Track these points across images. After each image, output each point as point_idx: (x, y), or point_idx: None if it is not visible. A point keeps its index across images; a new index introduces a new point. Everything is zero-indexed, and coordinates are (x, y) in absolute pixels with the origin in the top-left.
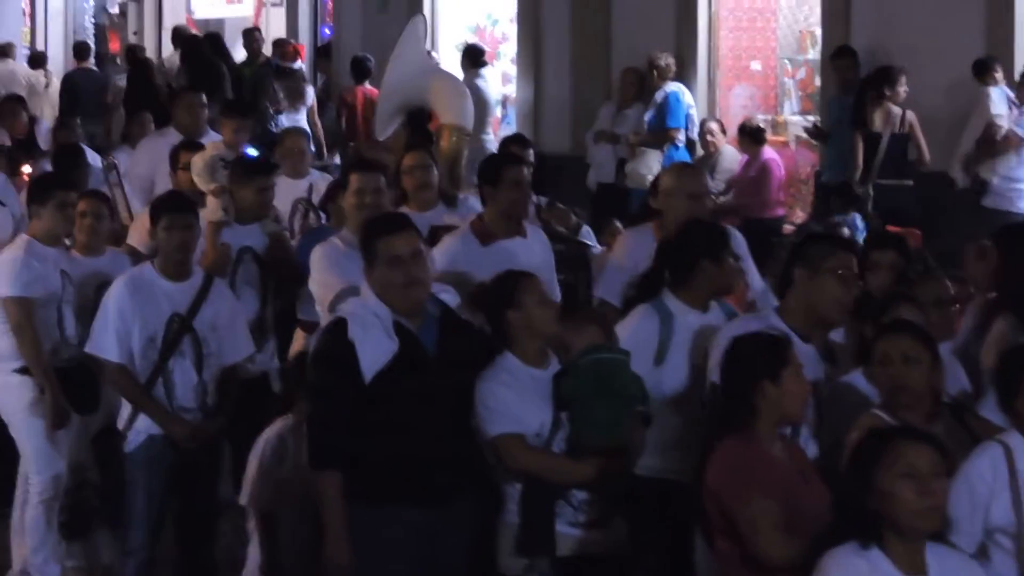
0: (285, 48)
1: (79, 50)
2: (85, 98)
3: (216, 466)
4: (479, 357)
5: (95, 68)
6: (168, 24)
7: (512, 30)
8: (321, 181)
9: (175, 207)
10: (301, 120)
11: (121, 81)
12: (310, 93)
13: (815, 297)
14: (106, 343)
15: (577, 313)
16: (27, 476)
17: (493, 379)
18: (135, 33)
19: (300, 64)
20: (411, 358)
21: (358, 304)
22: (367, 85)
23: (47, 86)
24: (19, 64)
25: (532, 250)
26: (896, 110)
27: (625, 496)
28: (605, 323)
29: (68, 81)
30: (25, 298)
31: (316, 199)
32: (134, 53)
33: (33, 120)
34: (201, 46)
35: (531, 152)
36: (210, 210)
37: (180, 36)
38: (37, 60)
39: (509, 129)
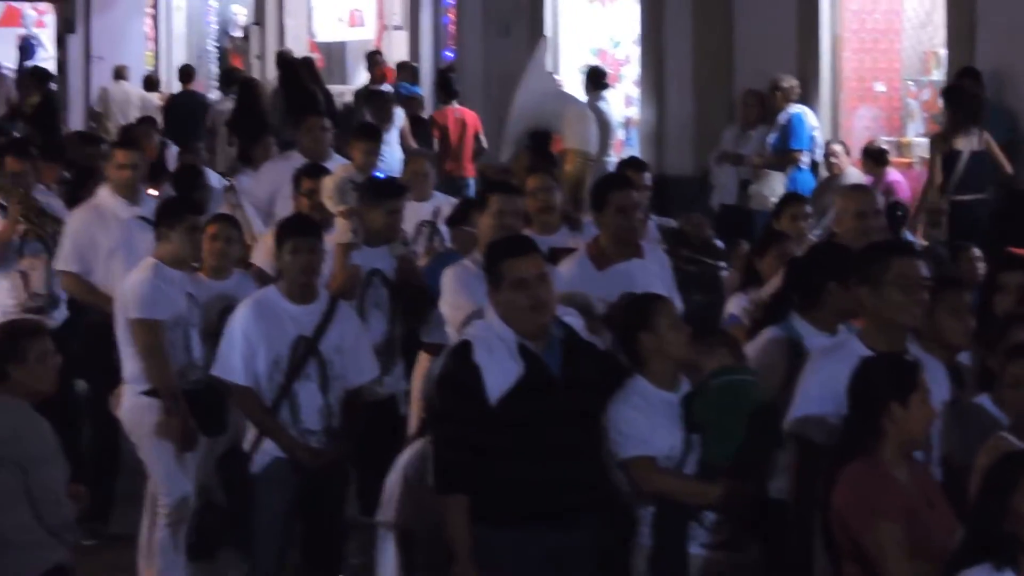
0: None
1: (184, 73)
2: (189, 121)
3: (342, 488)
4: (604, 379)
5: (197, 91)
6: (290, 47)
7: (635, 52)
8: (446, 204)
9: (301, 230)
10: (391, 141)
11: (221, 104)
12: (399, 114)
13: (885, 312)
14: (232, 366)
15: (708, 335)
16: (155, 498)
17: (624, 402)
18: (258, 56)
19: (388, 86)
20: (536, 381)
21: (483, 327)
22: (456, 104)
23: (159, 108)
24: (133, 86)
25: (649, 272)
26: (975, 128)
27: (759, 518)
28: (735, 345)
29: (172, 104)
30: (154, 320)
31: (441, 222)
32: (240, 76)
33: (164, 144)
34: (299, 71)
35: (647, 175)
36: (339, 232)
37: (282, 60)
38: (151, 83)
39: (632, 151)
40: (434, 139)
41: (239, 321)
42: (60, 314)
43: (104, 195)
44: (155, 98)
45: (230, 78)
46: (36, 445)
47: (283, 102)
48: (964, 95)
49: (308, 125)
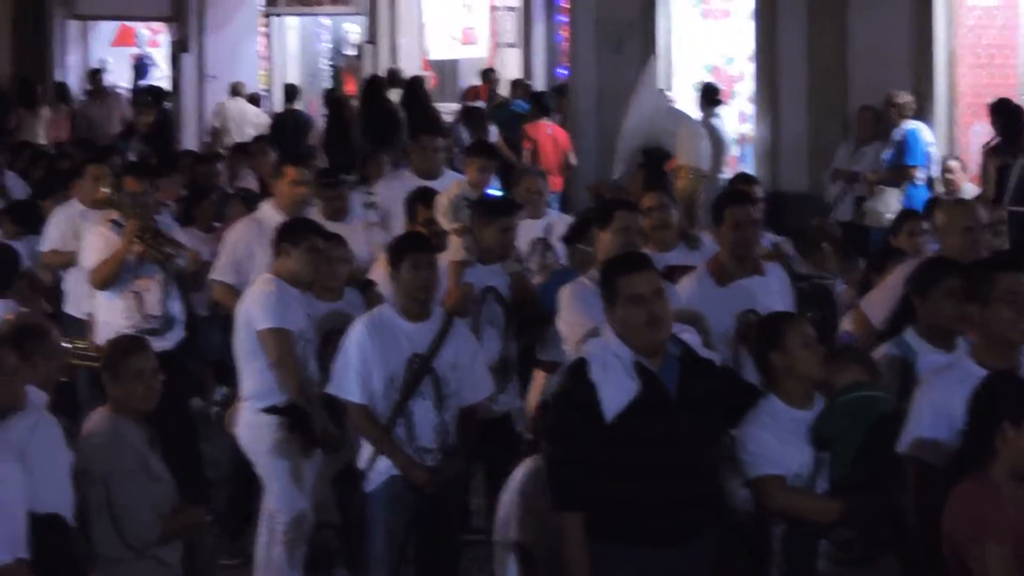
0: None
1: (288, 92)
2: (292, 139)
3: (457, 505)
4: (722, 396)
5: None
6: (404, 65)
7: (748, 68)
8: (559, 221)
9: (418, 246)
10: None
11: (322, 123)
12: (492, 132)
13: (995, 329)
14: (347, 384)
15: (840, 352)
16: (272, 515)
17: (753, 422)
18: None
19: (482, 103)
20: (652, 399)
21: (599, 344)
22: (548, 120)
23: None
24: (248, 104)
25: (770, 289)
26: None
27: (893, 534)
28: (867, 361)
29: (276, 122)
30: (285, 329)
31: (554, 239)
32: (332, 95)
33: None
34: (380, 90)
35: (758, 189)
36: (453, 250)
37: (397, 79)
38: (254, 101)
39: (746, 168)
40: (525, 153)
41: (354, 339)
42: (176, 335)
43: (267, 210)
44: (264, 115)
45: (330, 98)
46: (119, 461)
47: (364, 120)
48: (1014, 108)
49: (420, 144)
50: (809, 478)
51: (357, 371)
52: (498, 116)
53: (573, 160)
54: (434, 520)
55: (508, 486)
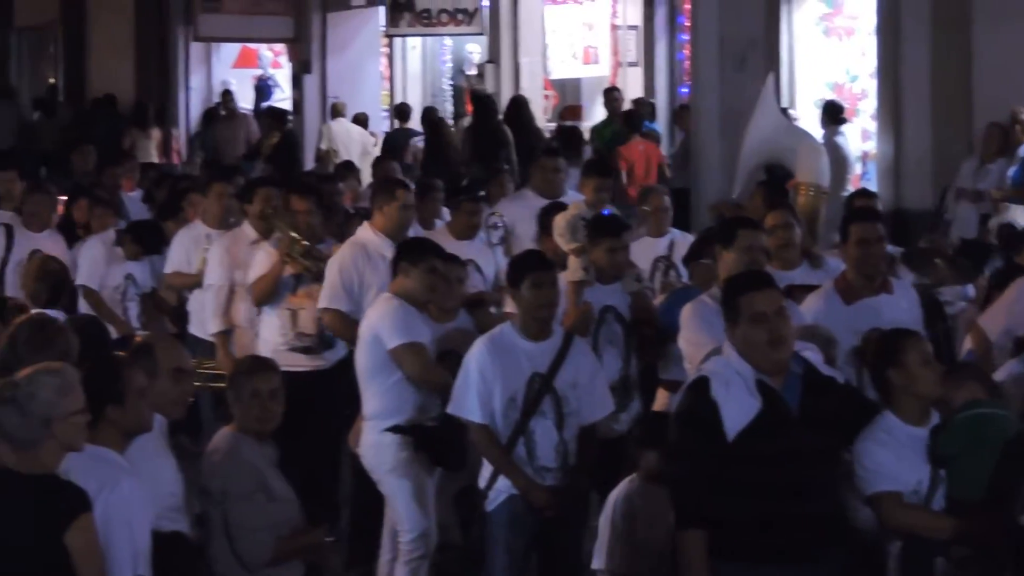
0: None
1: (400, 112)
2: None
3: (579, 524)
4: (844, 414)
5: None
6: (526, 85)
7: (871, 86)
8: (682, 239)
9: (539, 265)
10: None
11: (420, 142)
12: (586, 151)
13: None
14: (468, 404)
15: (957, 369)
16: (394, 534)
17: (870, 438)
18: (493, 94)
19: (577, 123)
20: (774, 417)
21: (720, 363)
22: (640, 138)
23: (375, 145)
24: (353, 124)
25: (898, 307)
26: None
27: (1013, 551)
28: (986, 378)
29: (386, 141)
30: (419, 343)
31: (676, 257)
32: (429, 115)
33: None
34: (489, 110)
35: (878, 205)
36: (571, 270)
37: (474, 97)
38: (361, 120)
39: (869, 185)
40: (621, 171)
41: (475, 358)
42: (334, 354)
43: (367, 234)
44: (369, 135)
45: (428, 118)
46: (235, 480)
47: (471, 141)
48: None
49: (540, 164)
50: (926, 495)
51: (478, 390)
52: (622, 135)
53: (668, 173)
54: (554, 540)
55: (604, 511)
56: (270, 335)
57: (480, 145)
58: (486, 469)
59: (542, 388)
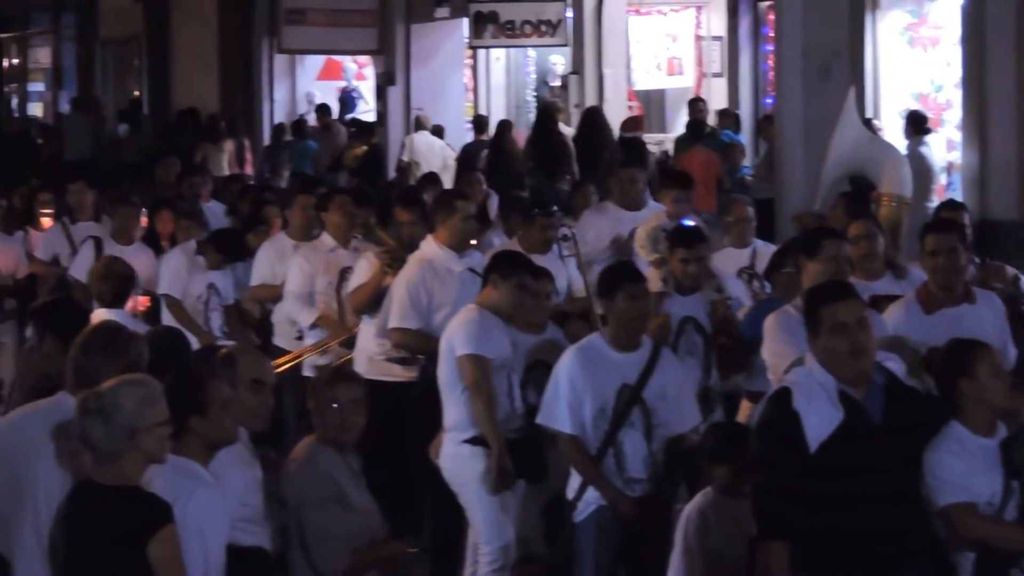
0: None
1: (477, 124)
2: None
3: (665, 536)
4: (926, 425)
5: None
6: (609, 96)
7: (956, 96)
8: (764, 249)
9: (632, 277)
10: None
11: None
12: (649, 162)
13: None
14: (558, 414)
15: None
16: (476, 546)
17: (941, 448)
18: (576, 106)
19: (638, 134)
20: (857, 427)
21: (802, 373)
22: (702, 147)
23: (455, 157)
24: (434, 137)
25: (982, 317)
26: None
27: None
28: None
29: (462, 153)
30: (482, 356)
31: (760, 267)
32: (481, 121)
33: (487, 193)
34: (551, 121)
35: (965, 216)
36: (651, 281)
37: (588, 115)
38: (438, 132)
39: (954, 196)
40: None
41: (565, 369)
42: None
43: (432, 248)
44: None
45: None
46: (311, 489)
47: (533, 153)
48: None
49: (617, 176)
50: (999, 506)
51: (568, 401)
52: (707, 146)
53: (727, 183)
54: (642, 552)
55: (678, 524)
56: (367, 343)
57: (541, 157)
58: (575, 480)
59: (631, 399)
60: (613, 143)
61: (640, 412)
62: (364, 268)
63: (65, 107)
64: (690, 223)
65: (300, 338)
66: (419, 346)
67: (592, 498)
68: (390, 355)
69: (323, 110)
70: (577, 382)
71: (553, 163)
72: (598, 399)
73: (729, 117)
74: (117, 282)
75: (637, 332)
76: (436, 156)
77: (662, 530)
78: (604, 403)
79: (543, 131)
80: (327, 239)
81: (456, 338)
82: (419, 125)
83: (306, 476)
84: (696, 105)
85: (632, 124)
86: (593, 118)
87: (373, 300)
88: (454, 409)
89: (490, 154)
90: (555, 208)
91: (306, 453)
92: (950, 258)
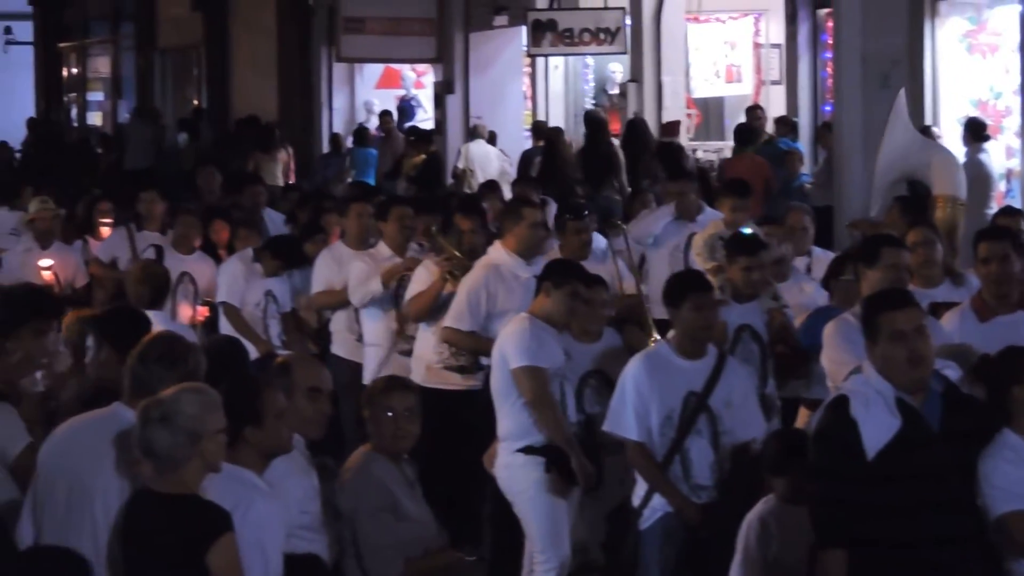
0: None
1: (535, 131)
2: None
3: (730, 543)
4: (984, 433)
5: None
6: (668, 104)
7: (1016, 103)
8: (823, 256)
9: (701, 286)
10: None
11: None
12: (690, 166)
13: None
14: (625, 421)
15: None
16: (532, 556)
17: (997, 456)
18: (635, 114)
19: (674, 139)
20: (914, 435)
21: (860, 381)
22: (750, 153)
23: (511, 164)
24: (490, 146)
25: None
26: None
27: None
28: None
29: (522, 159)
30: (538, 367)
31: (817, 275)
32: (540, 128)
33: (544, 201)
34: (600, 132)
35: (1022, 222)
36: None
37: (589, 119)
38: (492, 141)
39: (1013, 203)
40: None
41: (631, 376)
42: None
43: (500, 254)
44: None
45: (539, 130)
46: (364, 498)
47: (583, 160)
48: None
49: (677, 188)
50: None
51: (634, 408)
52: (765, 153)
53: (772, 187)
54: (707, 559)
55: (740, 532)
56: (424, 351)
57: (589, 167)
58: (640, 487)
59: (697, 406)
60: (651, 149)
61: (707, 419)
62: (422, 276)
63: (124, 116)
64: (748, 231)
65: (360, 340)
66: (468, 345)
67: (658, 505)
68: (448, 363)
69: (386, 116)
70: (644, 389)
71: (601, 173)
72: (664, 406)
73: (786, 125)
74: (155, 284)
75: (703, 341)
76: (492, 164)
77: (727, 538)
78: (670, 410)
79: (591, 141)
80: (383, 248)
81: (509, 349)
82: (475, 133)
83: (359, 485)
84: (753, 113)
85: (670, 129)
86: (636, 129)
87: (432, 308)
88: (508, 419)
89: (543, 161)
90: (587, 212)
91: (360, 462)
92: (1003, 265)
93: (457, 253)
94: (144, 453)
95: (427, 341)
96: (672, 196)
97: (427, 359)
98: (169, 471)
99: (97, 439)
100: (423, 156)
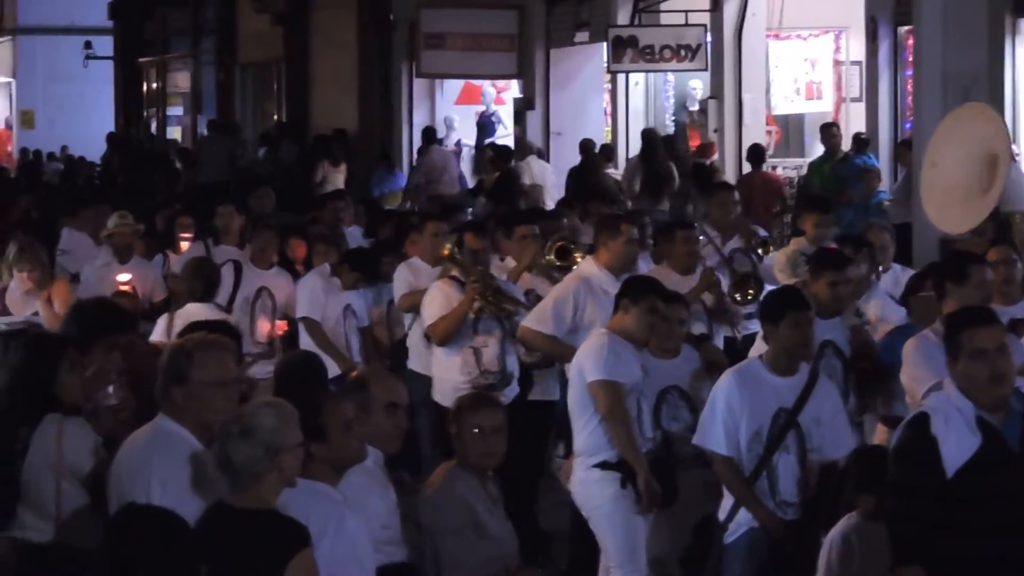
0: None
1: (604, 149)
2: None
3: (813, 560)
4: None
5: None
6: (748, 121)
7: None
8: (903, 274)
9: (799, 304)
10: None
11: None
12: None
13: None
14: (714, 435)
15: None
16: (607, 570)
17: None
18: (715, 131)
19: (707, 160)
20: (994, 454)
21: (941, 398)
22: (764, 169)
23: None
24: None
25: None
26: None
27: None
28: None
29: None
30: (615, 382)
31: (897, 292)
32: (586, 146)
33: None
34: (655, 147)
35: None
36: None
37: (647, 136)
38: (542, 155)
39: None
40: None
41: (722, 391)
42: (512, 391)
43: (591, 268)
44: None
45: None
46: (445, 515)
47: (642, 176)
48: None
49: (719, 199)
50: None
51: (724, 423)
52: (840, 171)
53: (789, 202)
54: (790, 573)
55: (822, 548)
56: (448, 374)
57: (646, 181)
58: (727, 501)
59: (787, 423)
60: (687, 171)
61: (795, 436)
62: (437, 298)
63: (204, 131)
64: (831, 246)
65: None
66: (545, 348)
67: (744, 520)
68: (478, 383)
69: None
70: (734, 404)
71: (657, 187)
72: (754, 422)
73: (860, 142)
74: (206, 277)
75: (799, 358)
76: (549, 179)
77: (810, 555)
78: (760, 426)
79: (646, 157)
80: (510, 263)
81: (586, 364)
82: (527, 150)
83: (443, 502)
84: (829, 130)
85: (703, 151)
86: (652, 141)
87: (458, 331)
88: (583, 434)
89: (574, 176)
90: (695, 224)
91: (444, 479)
92: None
93: (489, 273)
94: (221, 467)
95: (452, 364)
96: (725, 204)
97: (453, 381)
98: (244, 486)
99: (147, 453)
100: (499, 173)
